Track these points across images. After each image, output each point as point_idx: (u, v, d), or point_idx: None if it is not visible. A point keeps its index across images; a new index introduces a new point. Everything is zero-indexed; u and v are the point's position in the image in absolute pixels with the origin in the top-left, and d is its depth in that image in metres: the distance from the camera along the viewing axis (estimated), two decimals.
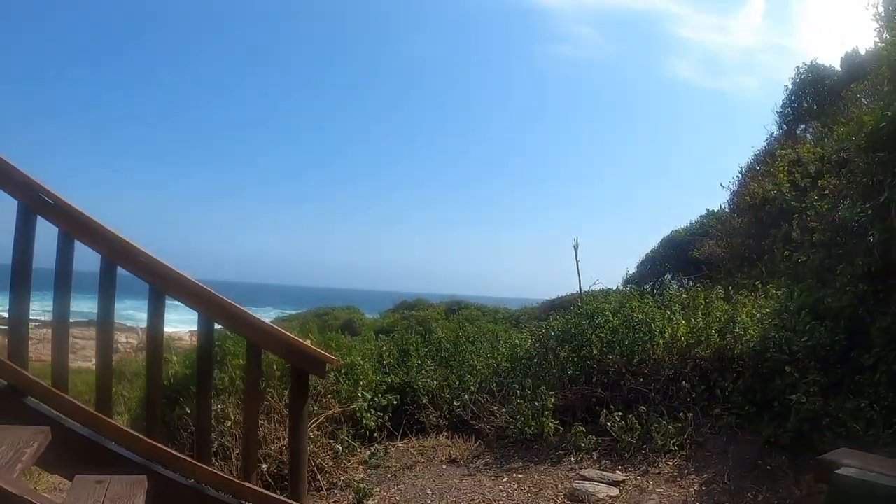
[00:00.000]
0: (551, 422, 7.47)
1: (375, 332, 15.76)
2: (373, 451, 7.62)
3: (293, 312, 43.45)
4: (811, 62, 19.60)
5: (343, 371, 8.31)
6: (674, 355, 7.92)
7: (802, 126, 19.36)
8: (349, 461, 7.46)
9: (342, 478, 7.09)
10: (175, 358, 9.02)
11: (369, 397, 8.09)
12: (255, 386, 4.48)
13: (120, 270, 4.04)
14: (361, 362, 8.54)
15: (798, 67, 19.77)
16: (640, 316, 8.25)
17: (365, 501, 6.39)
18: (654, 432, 6.98)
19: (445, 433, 8.32)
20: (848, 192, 8.05)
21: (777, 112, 19.99)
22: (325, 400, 7.84)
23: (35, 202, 3.81)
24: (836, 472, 3.97)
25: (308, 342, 7.94)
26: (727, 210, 19.35)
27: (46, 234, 3.88)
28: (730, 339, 7.78)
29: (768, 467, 6.23)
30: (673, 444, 6.90)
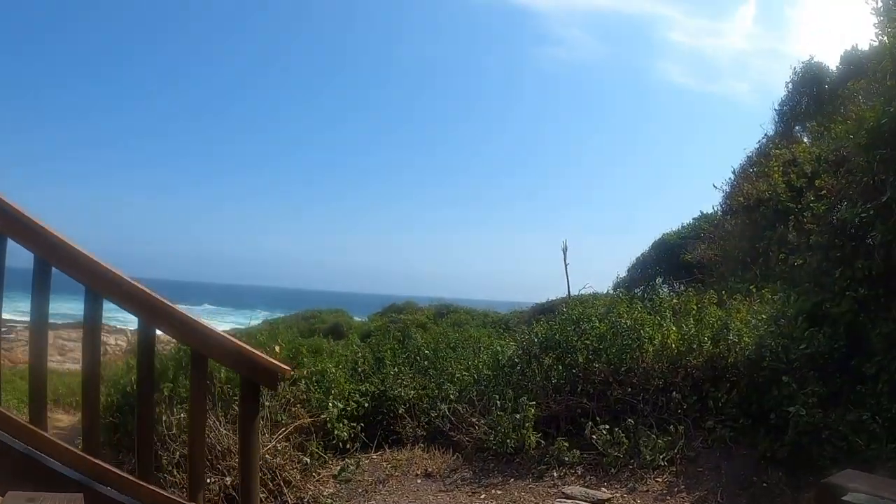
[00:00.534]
0: (533, 434, 7.17)
1: (362, 335, 15.48)
2: (344, 464, 7.30)
3: (281, 315, 42.68)
4: (808, 60, 19.44)
5: (314, 379, 8.04)
6: (664, 364, 7.62)
7: (798, 126, 19.24)
8: (319, 474, 7.17)
9: (310, 492, 6.77)
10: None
11: (341, 406, 7.78)
12: (200, 399, 4.11)
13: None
14: (333, 370, 8.20)
15: (794, 67, 19.61)
16: (628, 322, 7.95)
17: None
18: (643, 446, 6.66)
19: (422, 445, 7.99)
20: (846, 193, 7.86)
21: (775, 110, 19.85)
22: (294, 409, 7.55)
23: None
24: (844, 498, 3.65)
25: (276, 348, 7.71)
26: (720, 213, 19.37)
27: None
28: (723, 346, 7.50)
29: (764, 484, 5.94)
30: (662, 458, 6.58)
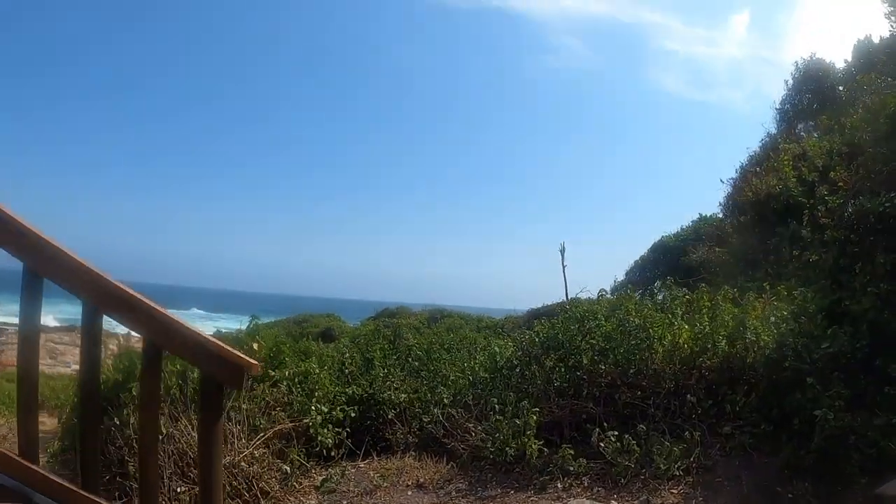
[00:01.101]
0: (535, 442, 6.65)
1: (352, 339, 14.99)
2: (327, 474, 6.79)
3: (273, 319, 43.05)
4: (810, 57, 19.17)
5: (297, 380, 7.52)
6: (676, 365, 7.18)
7: (800, 126, 18.93)
8: (300, 484, 6.68)
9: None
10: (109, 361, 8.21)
11: (325, 410, 7.27)
12: (153, 398, 3.58)
13: None
14: (317, 371, 7.66)
15: (797, 62, 19.33)
16: (636, 320, 7.43)
17: None
18: (656, 454, 6.16)
19: (413, 453, 7.51)
20: (863, 185, 7.57)
21: (776, 109, 19.56)
22: (274, 413, 7.07)
23: None
24: None
25: (255, 346, 7.18)
26: (721, 214, 19.54)
27: None
28: (740, 346, 7.06)
29: (789, 495, 5.43)
30: (677, 468, 6.08)
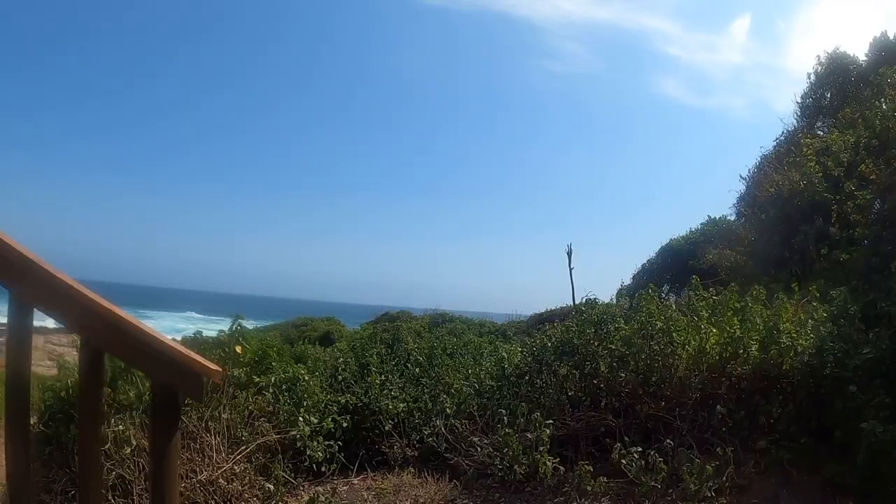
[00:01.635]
0: (548, 458, 6.20)
1: (349, 343, 14.52)
2: (315, 492, 6.30)
3: (273, 323, 44.09)
4: (833, 50, 18.74)
5: (284, 387, 6.97)
6: (703, 372, 6.73)
7: (821, 122, 18.47)
8: (286, 503, 6.21)
9: None
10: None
11: (315, 421, 6.75)
12: (94, 408, 2.98)
13: None
14: (307, 377, 7.08)
15: (819, 56, 18.91)
16: (659, 323, 6.86)
17: None
18: (685, 473, 5.65)
19: (412, 469, 7.09)
20: (894, 180, 7.17)
21: (797, 103, 19.13)
22: (258, 423, 6.62)
23: None
24: None
25: (238, 349, 6.61)
26: (734, 216, 19.34)
27: None
28: (774, 351, 6.54)
29: None
30: (709, 488, 5.55)
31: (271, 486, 6.03)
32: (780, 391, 6.37)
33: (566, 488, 5.96)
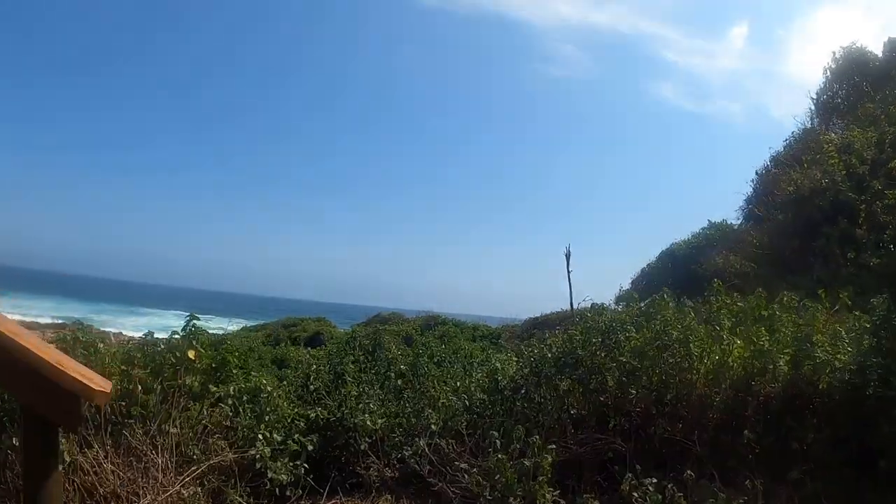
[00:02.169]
0: (548, 490, 5.43)
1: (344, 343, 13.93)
2: None
3: (262, 322, 44.49)
4: (849, 45, 18.34)
5: (244, 398, 6.28)
6: (725, 390, 6.21)
7: (836, 120, 17.99)
8: None
9: None
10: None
11: (278, 440, 6.04)
12: None
13: None
14: (269, 388, 6.31)
15: (834, 52, 18.51)
16: (675, 333, 6.19)
17: None
18: None
19: (390, 495, 6.51)
20: None
21: (811, 99, 18.73)
22: (212, 440, 5.96)
23: None
24: None
25: (190, 354, 5.84)
26: (739, 220, 19.26)
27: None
28: (808, 368, 6.03)
29: None
30: None
31: None
32: (814, 413, 5.92)
33: None
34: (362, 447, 6.93)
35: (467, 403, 7.18)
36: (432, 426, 6.85)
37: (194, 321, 6.48)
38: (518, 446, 5.78)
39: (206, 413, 6.05)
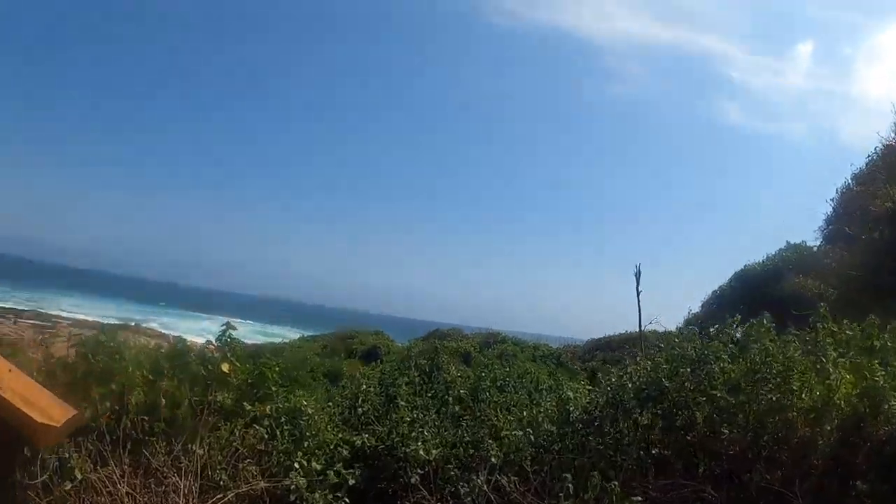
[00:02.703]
0: None
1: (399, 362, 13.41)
2: None
3: (318, 333, 44.59)
4: None
5: (283, 420, 5.77)
6: (831, 432, 5.46)
7: None
8: None
9: None
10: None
11: (318, 469, 5.42)
12: None
13: None
14: (310, 410, 5.70)
15: None
16: (777, 365, 5.46)
17: None
18: None
19: None
20: None
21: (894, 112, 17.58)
22: (242, 465, 5.44)
23: None
24: None
25: (224, 367, 5.29)
26: (820, 241, 18.60)
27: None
28: None
29: None
30: None
31: None
32: None
33: None
34: (413, 480, 6.24)
35: (533, 436, 6.45)
36: (492, 459, 6.20)
37: (230, 330, 5.88)
38: (590, 490, 5.10)
39: (237, 434, 5.58)
